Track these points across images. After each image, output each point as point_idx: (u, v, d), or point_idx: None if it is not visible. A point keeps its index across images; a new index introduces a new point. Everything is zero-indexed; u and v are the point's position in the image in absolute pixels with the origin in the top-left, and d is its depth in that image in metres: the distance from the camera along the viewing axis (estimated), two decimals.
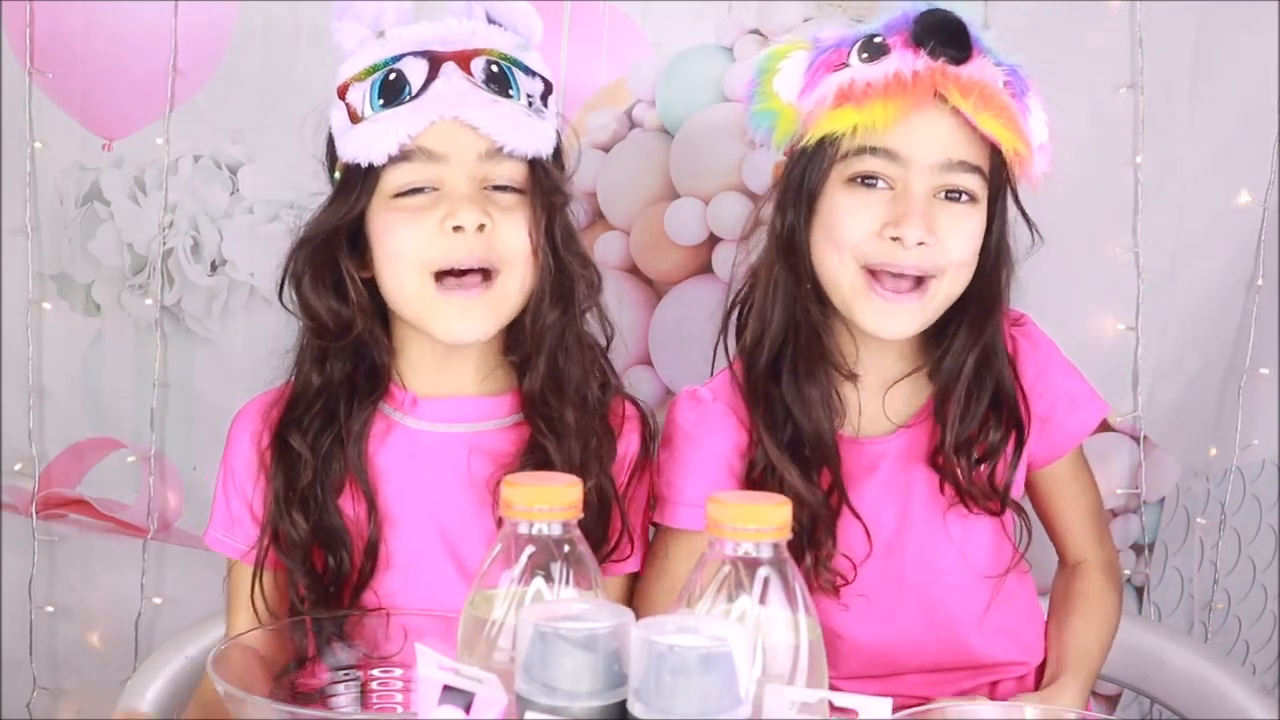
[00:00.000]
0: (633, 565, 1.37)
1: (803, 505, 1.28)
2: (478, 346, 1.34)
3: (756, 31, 1.77)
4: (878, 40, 1.27)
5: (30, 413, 1.83)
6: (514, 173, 1.29)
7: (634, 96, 1.78)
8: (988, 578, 1.38)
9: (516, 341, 1.34)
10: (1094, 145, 1.78)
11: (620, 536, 1.34)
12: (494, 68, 1.28)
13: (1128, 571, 1.86)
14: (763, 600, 0.88)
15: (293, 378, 1.34)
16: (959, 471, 1.34)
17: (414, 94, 1.25)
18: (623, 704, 0.84)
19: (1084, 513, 1.47)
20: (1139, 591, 1.87)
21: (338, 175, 1.31)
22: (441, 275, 1.27)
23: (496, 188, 1.28)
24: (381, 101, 1.26)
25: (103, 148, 1.80)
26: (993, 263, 1.32)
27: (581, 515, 0.95)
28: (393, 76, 1.26)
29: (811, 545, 1.31)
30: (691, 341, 1.82)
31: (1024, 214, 1.36)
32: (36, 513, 1.85)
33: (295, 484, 1.29)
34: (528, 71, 1.31)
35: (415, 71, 1.26)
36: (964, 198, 1.28)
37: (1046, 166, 1.33)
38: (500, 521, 1.27)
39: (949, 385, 1.34)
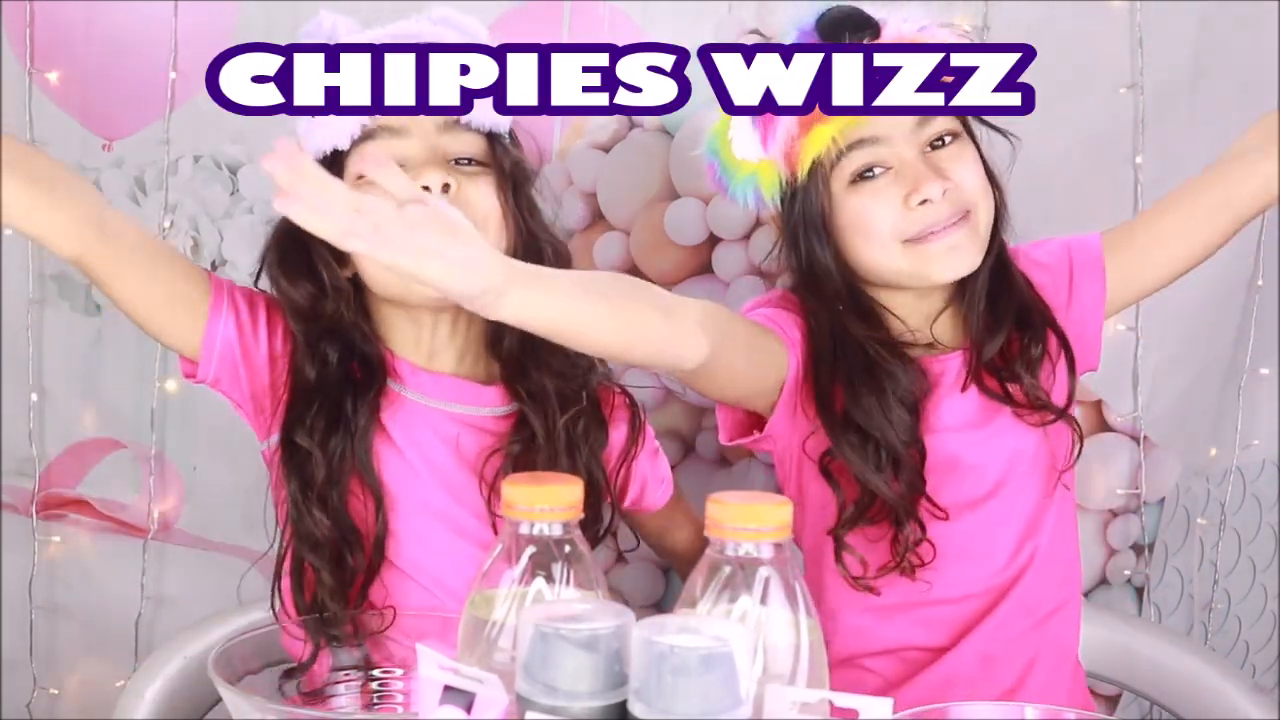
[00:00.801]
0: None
1: (885, 499, 1.34)
2: (460, 329, 1.36)
3: (756, 32, 1.77)
4: None
5: (30, 413, 1.83)
6: (473, 146, 1.32)
7: None
8: (1045, 481, 1.40)
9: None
10: (1094, 145, 1.78)
11: (610, 523, 1.36)
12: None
13: (1127, 572, 1.86)
14: (763, 600, 0.88)
15: (289, 378, 1.34)
16: (1008, 386, 1.37)
17: None
18: (623, 704, 0.84)
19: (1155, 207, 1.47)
20: (1139, 592, 1.87)
21: None
22: None
23: (458, 162, 1.32)
24: None
25: (103, 148, 1.80)
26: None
27: (582, 515, 0.95)
28: None
29: (898, 525, 1.34)
30: None
31: (991, 125, 1.40)
32: (36, 513, 1.84)
33: (311, 483, 1.30)
34: None
35: None
36: (948, 139, 1.34)
37: None
38: (490, 500, 1.29)
39: (972, 304, 1.38)
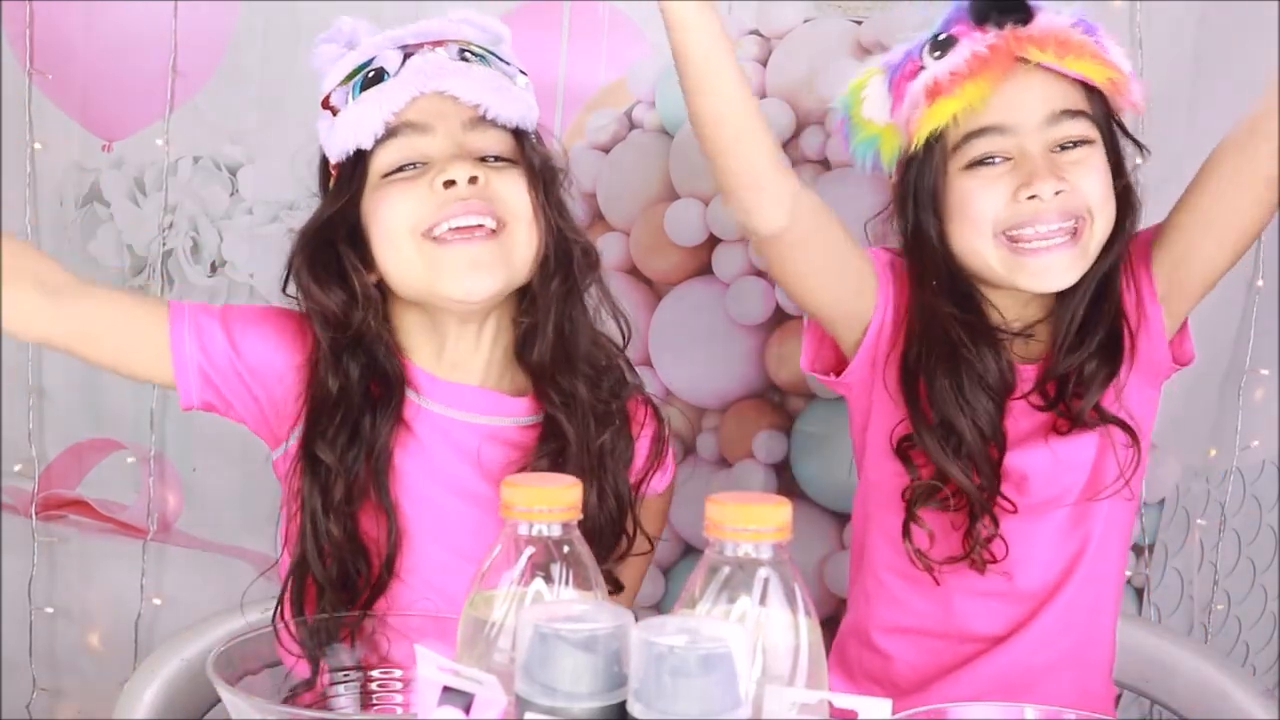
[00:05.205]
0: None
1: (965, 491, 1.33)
2: (485, 342, 1.33)
3: (756, 32, 1.77)
4: (942, 37, 1.32)
5: (30, 413, 1.84)
6: (500, 143, 1.30)
7: (634, 97, 1.78)
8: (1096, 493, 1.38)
9: (523, 322, 1.33)
10: None
11: (633, 539, 1.34)
12: (466, 52, 1.30)
13: (1127, 573, 1.86)
14: (762, 601, 0.88)
15: (308, 389, 1.30)
16: (1071, 402, 1.35)
17: (393, 75, 1.28)
18: (622, 705, 0.84)
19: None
20: (1139, 593, 1.87)
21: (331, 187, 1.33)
22: (441, 237, 1.26)
23: (485, 159, 1.29)
24: (364, 91, 1.28)
25: (102, 148, 1.80)
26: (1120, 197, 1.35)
27: (581, 516, 0.95)
28: (372, 73, 1.28)
29: (972, 518, 1.33)
30: (692, 342, 1.82)
31: (1128, 135, 1.37)
32: (36, 513, 1.85)
33: (330, 496, 1.27)
34: (501, 60, 1.33)
35: (392, 60, 1.28)
36: (1079, 145, 1.32)
37: (1143, 92, 1.36)
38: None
39: (1066, 314, 1.35)
